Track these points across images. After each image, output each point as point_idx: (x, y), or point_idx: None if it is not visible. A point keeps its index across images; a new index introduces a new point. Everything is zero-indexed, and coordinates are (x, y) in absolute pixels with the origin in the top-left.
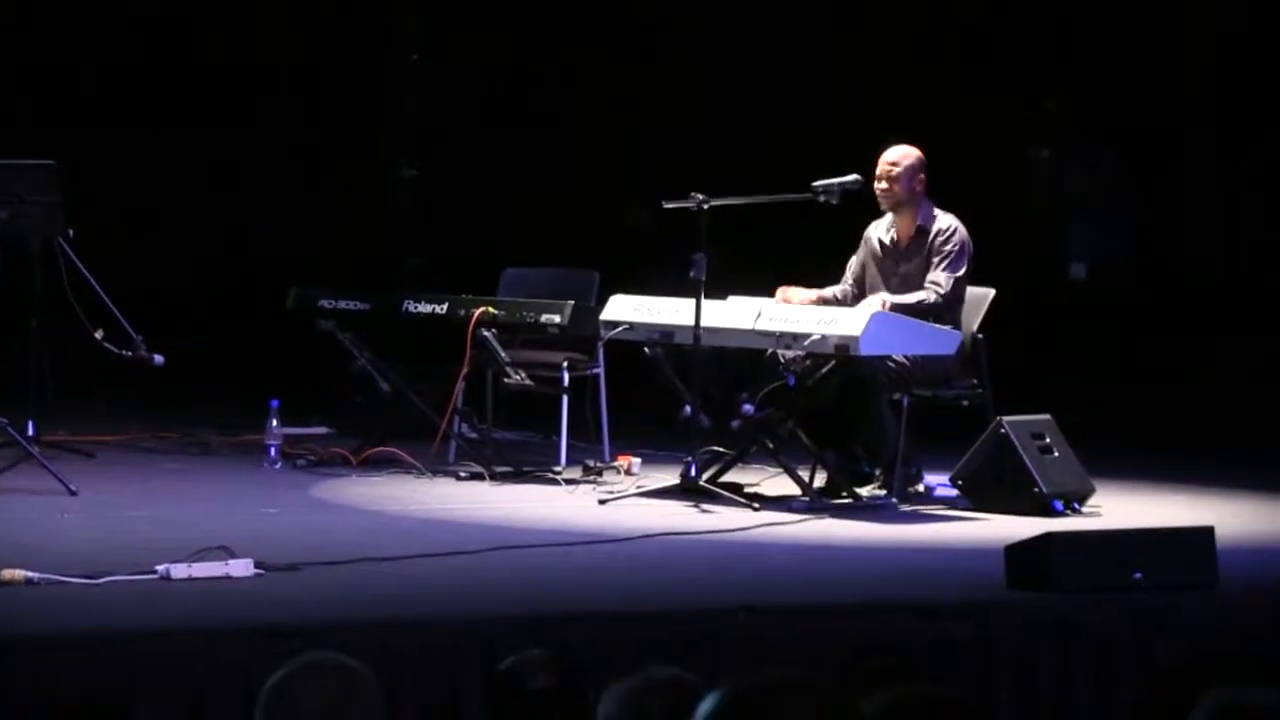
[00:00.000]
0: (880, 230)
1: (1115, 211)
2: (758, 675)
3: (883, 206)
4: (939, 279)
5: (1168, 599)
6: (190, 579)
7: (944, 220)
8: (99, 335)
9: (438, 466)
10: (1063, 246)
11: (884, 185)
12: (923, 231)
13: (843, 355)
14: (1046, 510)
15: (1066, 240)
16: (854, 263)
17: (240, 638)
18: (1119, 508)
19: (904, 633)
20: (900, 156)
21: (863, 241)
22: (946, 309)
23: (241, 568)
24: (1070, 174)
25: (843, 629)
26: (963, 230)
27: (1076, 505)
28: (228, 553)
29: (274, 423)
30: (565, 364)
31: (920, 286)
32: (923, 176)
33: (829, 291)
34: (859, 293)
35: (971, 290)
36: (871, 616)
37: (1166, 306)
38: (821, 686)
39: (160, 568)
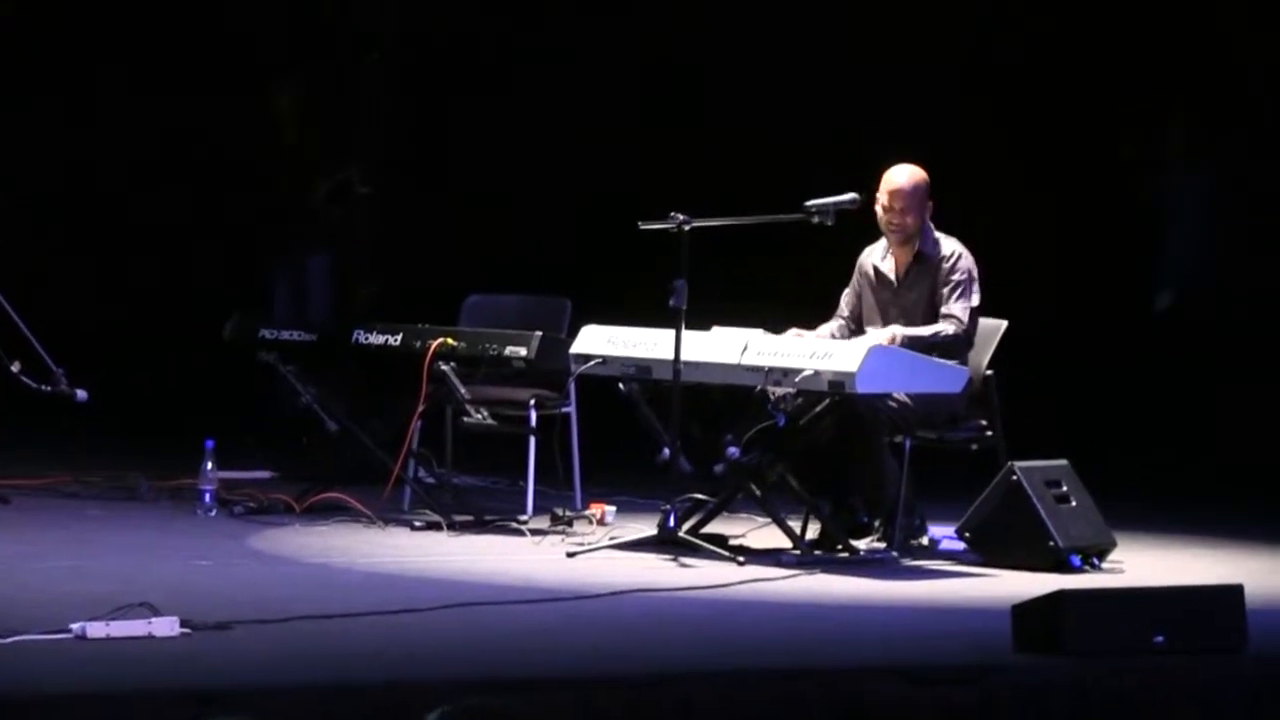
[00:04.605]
0: (875, 257)
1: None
2: None
3: (891, 240)
4: (955, 311)
5: (1191, 663)
6: (109, 638)
7: (947, 245)
8: (15, 368)
9: (390, 514)
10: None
11: (893, 217)
12: (923, 258)
13: (838, 393)
14: (1062, 565)
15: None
16: (848, 295)
17: (162, 704)
18: (1142, 563)
19: (901, 699)
20: (908, 182)
21: (856, 271)
22: (967, 344)
23: (166, 626)
24: (1162, 195)
25: (833, 695)
26: (969, 256)
27: (1095, 560)
28: (151, 610)
29: (209, 465)
30: (532, 401)
31: (923, 319)
32: (931, 202)
33: (824, 330)
34: (855, 328)
35: (982, 323)
36: (865, 681)
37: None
38: None
39: (75, 626)
